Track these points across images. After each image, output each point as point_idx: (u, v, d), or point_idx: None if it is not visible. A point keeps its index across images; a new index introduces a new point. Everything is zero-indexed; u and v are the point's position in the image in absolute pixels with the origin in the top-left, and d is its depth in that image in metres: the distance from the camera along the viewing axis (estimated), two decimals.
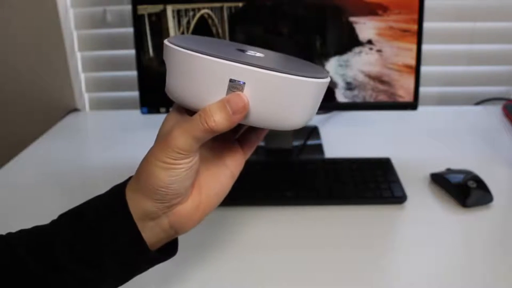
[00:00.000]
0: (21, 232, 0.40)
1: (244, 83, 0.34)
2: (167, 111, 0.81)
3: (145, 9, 0.75)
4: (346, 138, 0.91)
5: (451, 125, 0.96)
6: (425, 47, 0.76)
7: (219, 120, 0.34)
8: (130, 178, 0.40)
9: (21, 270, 0.37)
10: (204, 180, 0.40)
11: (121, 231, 0.37)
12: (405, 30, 0.74)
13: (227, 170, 0.41)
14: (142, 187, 0.37)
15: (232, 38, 0.76)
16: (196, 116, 0.35)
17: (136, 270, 0.40)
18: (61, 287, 0.38)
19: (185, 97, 0.36)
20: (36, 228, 0.40)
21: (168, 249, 0.41)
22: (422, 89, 0.80)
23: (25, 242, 0.39)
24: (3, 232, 0.41)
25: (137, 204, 0.37)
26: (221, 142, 0.42)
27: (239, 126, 0.40)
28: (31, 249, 0.38)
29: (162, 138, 0.37)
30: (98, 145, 0.96)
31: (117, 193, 0.39)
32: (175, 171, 0.36)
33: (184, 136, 0.35)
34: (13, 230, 0.41)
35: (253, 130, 0.43)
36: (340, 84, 0.78)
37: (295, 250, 0.60)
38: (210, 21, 0.76)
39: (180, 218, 0.38)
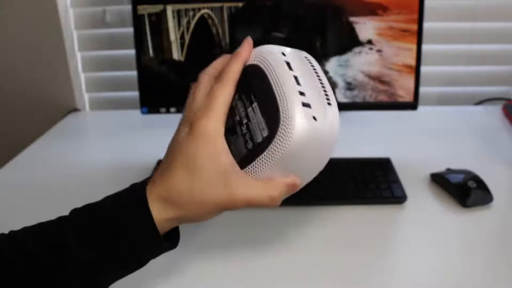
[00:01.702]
0: (26, 228, 0.41)
1: None
2: (167, 111, 0.81)
3: (145, 9, 0.75)
4: (346, 138, 0.91)
5: (451, 125, 0.96)
6: (425, 47, 0.76)
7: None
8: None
9: (31, 264, 0.38)
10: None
11: (135, 216, 0.39)
12: (405, 30, 0.74)
13: None
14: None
15: (232, 38, 0.76)
16: None
17: (143, 257, 0.40)
18: (68, 275, 0.38)
19: None
20: (42, 224, 0.41)
21: (172, 237, 0.42)
22: (422, 89, 0.79)
23: (35, 237, 0.39)
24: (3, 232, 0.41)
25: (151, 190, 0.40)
26: None
27: None
28: (42, 243, 0.39)
29: None
30: (98, 145, 0.96)
31: (135, 184, 0.41)
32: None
33: None
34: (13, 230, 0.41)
35: None
36: (340, 84, 0.78)
37: (294, 250, 0.60)
38: (210, 21, 0.76)
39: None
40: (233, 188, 0.39)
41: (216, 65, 0.43)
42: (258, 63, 0.41)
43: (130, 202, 0.39)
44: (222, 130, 0.39)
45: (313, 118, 0.38)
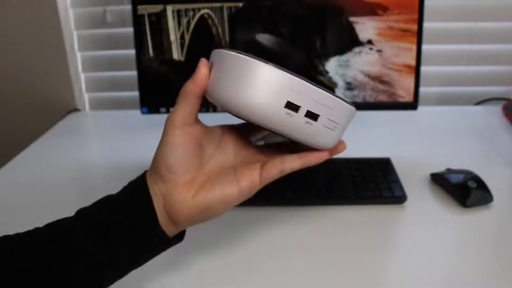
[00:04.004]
0: (37, 229, 0.42)
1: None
2: (167, 111, 0.81)
3: (145, 9, 0.75)
4: (346, 138, 0.91)
5: (451, 125, 0.96)
6: (425, 47, 0.76)
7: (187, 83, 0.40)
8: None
9: (34, 259, 0.39)
10: (211, 179, 0.42)
11: (137, 205, 0.41)
12: (405, 30, 0.74)
13: (236, 184, 0.41)
14: None
15: (232, 38, 0.76)
16: None
17: (144, 250, 0.42)
18: (72, 268, 0.39)
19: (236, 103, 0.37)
20: (49, 223, 0.42)
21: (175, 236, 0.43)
22: (422, 89, 0.80)
23: (40, 234, 0.40)
24: (3, 233, 0.41)
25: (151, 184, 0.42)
26: (244, 159, 0.44)
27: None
28: (48, 238, 0.40)
29: None
30: (98, 145, 0.96)
31: (139, 176, 0.43)
32: (166, 139, 0.40)
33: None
34: (13, 230, 0.41)
35: (277, 153, 0.44)
36: (340, 84, 0.78)
37: (294, 250, 0.60)
38: (210, 21, 0.76)
39: (171, 199, 0.40)
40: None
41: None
42: None
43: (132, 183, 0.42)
44: (181, 137, 0.40)
45: None
